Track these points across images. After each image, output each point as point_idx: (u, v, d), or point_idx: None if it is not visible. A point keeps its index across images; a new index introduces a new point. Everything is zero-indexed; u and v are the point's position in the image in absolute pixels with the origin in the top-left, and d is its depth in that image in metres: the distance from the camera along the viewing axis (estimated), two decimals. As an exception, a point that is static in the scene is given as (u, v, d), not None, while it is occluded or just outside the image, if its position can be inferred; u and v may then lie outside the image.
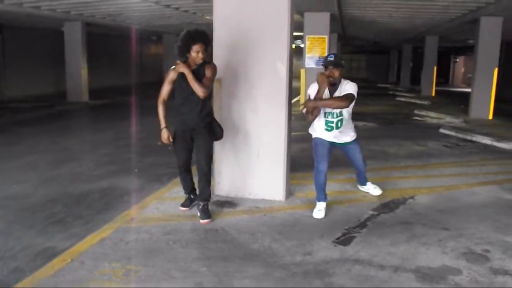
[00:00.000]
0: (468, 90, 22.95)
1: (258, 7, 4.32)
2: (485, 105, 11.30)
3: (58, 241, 3.50)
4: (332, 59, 4.12)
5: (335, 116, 4.23)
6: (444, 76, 27.39)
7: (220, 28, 4.44)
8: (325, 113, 4.23)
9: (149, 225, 3.85)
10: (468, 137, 8.35)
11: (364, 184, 4.86)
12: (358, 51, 34.08)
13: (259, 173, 4.62)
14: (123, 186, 5.06)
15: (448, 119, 11.10)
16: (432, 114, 11.86)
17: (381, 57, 34.51)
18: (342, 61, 4.19)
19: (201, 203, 4.00)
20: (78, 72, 13.81)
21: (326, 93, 4.17)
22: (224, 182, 4.73)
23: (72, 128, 9.44)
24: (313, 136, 4.39)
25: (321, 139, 4.30)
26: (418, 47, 24.49)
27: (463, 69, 29.14)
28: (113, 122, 9.73)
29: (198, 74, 3.80)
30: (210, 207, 4.26)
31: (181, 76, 3.81)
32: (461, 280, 3.01)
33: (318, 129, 4.33)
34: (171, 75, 3.90)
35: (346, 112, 4.26)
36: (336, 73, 4.09)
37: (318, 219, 4.11)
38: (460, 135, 8.61)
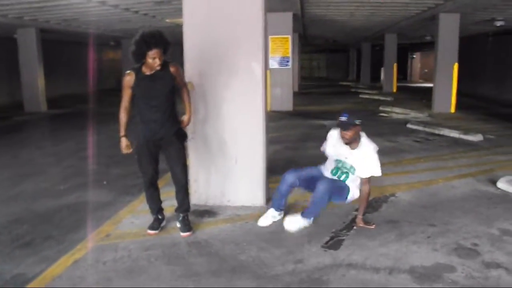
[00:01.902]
0: (426, 85, 23.74)
1: (231, 7, 4.15)
2: (447, 99, 11.59)
3: (28, 267, 3.19)
4: (344, 119, 3.66)
5: (347, 167, 3.84)
6: (402, 72, 28.13)
7: (191, 29, 4.24)
8: (336, 159, 3.91)
9: (126, 242, 3.59)
10: (436, 131, 8.51)
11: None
12: (318, 50, 34.51)
13: (237, 179, 4.45)
14: (92, 200, 4.75)
15: (413, 114, 11.31)
16: (397, 110, 12.06)
17: (340, 55, 35.13)
18: (356, 120, 3.65)
19: (181, 215, 3.78)
20: (34, 81, 13.11)
21: (343, 148, 3.81)
22: (201, 190, 4.52)
23: (32, 139, 8.90)
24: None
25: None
26: (376, 45, 25.04)
27: (419, 65, 30.06)
28: (74, 132, 9.28)
29: (162, 77, 3.47)
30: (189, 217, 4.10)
31: (145, 79, 3.42)
32: (457, 277, 2.96)
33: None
34: (128, 80, 3.44)
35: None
36: (348, 134, 3.65)
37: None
38: (427, 130, 8.75)
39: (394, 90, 19.57)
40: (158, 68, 3.39)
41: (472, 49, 17.40)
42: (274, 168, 5.36)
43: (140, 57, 3.34)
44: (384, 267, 3.10)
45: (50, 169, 6.21)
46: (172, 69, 3.53)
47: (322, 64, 37.36)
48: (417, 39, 21.60)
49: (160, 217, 3.83)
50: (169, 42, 3.40)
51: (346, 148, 3.79)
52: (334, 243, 3.51)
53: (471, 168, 5.80)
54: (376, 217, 4.10)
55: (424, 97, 15.32)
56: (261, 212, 4.24)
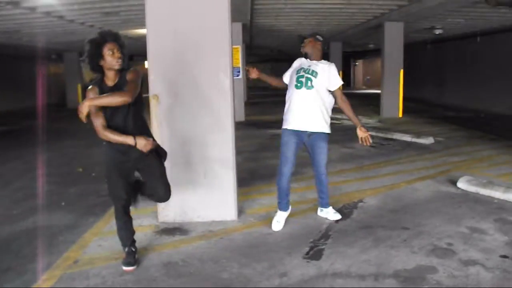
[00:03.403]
0: (369, 91, 24.65)
1: (196, 18, 4.06)
2: (394, 104, 12.08)
3: (-11, 303, 2.90)
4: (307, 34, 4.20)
5: (309, 72, 3.99)
6: (345, 79, 29.05)
7: (155, 40, 4.10)
8: (298, 70, 4.09)
9: (97, 267, 3.36)
10: (389, 136, 8.80)
11: (325, 207, 4.31)
12: (263, 60, 34.86)
13: (207, 194, 4.32)
14: (52, 224, 4.42)
15: (363, 120, 11.64)
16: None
17: (285, 65, 35.15)
18: (317, 36, 4.12)
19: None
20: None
21: (305, 61, 4.13)
22: (169, 207, 4.33)
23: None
24: (282, 127, 4.08)
25: (287, 135, 3.99)
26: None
27: (362, 72, 31.23)
28: (20, 150, 8.68)
29: (122, 85, 3.07)
30: (159, 236, 3.95)
31: (108, 91, 3.04)
32: (440, 278, 3.02)
33: (285, 112, 4.08)
34: (92, 96, 3.04)
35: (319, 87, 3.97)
36: (309, 46, 4.08)
37: (277, 232, 3.97)
38: (380, 135, 9.03)
39: (341, 97, 20.11)
40: (119, 62, 3.03)
41: (412, 56, 18.29)
42: (239, 181, 5.28)
43: (97, 56, 2.98)
44: (369, 274, 3.10)
45: (-2, 192, 5.76)
46: (128, 76, 3.09)
47: (267, 74, 37.70)
48: (360, 47, 22.42)
49: (133, 249, 3.43)
50: (120, 36, 3.10)
51: (308, 61, 4.08)
52: (314, 253, 3.48)
53: (429, 170, 6.03)
54: (349, 224, 4.13)
55: (371, 103, 15.87)
56: (233, 226, 4.16)
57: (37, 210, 4.85)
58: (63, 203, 5.07)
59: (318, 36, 4.08)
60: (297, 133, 3.98)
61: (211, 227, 4.14)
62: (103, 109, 3.06)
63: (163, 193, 3.41)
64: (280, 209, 4.14)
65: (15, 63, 18.59)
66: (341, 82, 4.04)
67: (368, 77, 29.97)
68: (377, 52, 22.11)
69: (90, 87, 3.12)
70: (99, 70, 3.08)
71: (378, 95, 17.15)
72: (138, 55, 24.47)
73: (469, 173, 5.68)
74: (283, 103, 4.13)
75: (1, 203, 5.21)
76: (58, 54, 18.78)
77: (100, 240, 3.92)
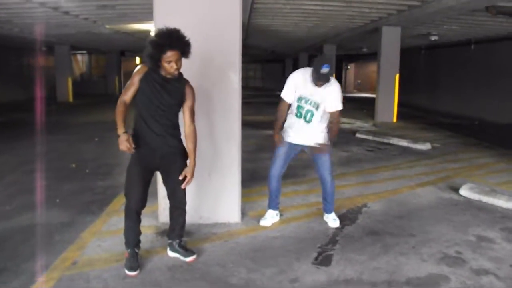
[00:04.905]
0: (361, 95, 24.74)
1: (206, 15, 3.95)
2: (389, 109, 12.08)
3: (-14, 306, 2.75)
4: (326, 71, 3.63)
5: (311, 104, 3.86)
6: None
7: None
8: (299, 98, 3.90)
9: (98, 269, 3.23)
10: (385, 140, 8.77)
11: (328, 212, 4.25)
12: (254, 60, 34.80)
13: (211, 195, 4.22)
14: (48, 222, 4.25)
15: (358, 123, 11.65)
16: (341, 119, 12.36)
17: (276, 65, 35.66)
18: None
19: (178, 240, 3.44)
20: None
21: (309, 86, 3.84)
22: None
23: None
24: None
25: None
26: (313, 55, 25.71)
27: (353, 76, 31.32)
28: (12, 144, 8.42)
29: (175, 87, 3.06)
30: (160, 237, 3.82)
31: (158, 78, 3.00)
32: (453, 287, 2.96)
33: (286, 125, 4.07)
34: (140, 70, 3.01)
35: (319, 113, 3.90)
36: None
37: (283, 236, 3.88)
38: (377, 139, 9.00)
39: (333, 99, 20.12)
40: (176, 73, 3.00)
41: (406, 61, 18.39)
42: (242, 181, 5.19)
43: (156, 60, 2.93)
44: (382, 281, 3.04)
45: (-11, 187, 5.56)
46: (187, 89, 3.15)
47: (258, 75, 37.74)
48: (353, 51, 22.45)
49: (137, 251, 3.30)
50: (189, 43, 2.98)
51: (312, 86, 3.83)
52: (323, 259, 3.40)
53: (429, 176, 6.01)
54: (355, 229, 4.06)
55: (364, 107, 15.88)
56: (237, 229, 4.06)
57: (32, 207, 4.67)
58: (57, 200, 4.90)
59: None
60: (295, 144, 4.07)
61: (214, 230, 4.03)
62: (152, 92, 3.01)
63: (182, 196, 3.30)
64: (269, 207, 4.24)
65: (2, 54, 18.16)
66: (340, 107, 3.89)
67: (359, 81, 30.08)
68: (369, 56, 22.22)
69: (141, 65, 3.06)
70: (156, 66, 3.01)
71: (369, 99, 17.25)
72: (129, 51, 24.28)
73: (469, 180, 5.67)
74: (275, 104, 4.15)
75: (-7, 198, 5.02)
76: (49, 47, 18.41)
77: (99, 240, 3.79)
